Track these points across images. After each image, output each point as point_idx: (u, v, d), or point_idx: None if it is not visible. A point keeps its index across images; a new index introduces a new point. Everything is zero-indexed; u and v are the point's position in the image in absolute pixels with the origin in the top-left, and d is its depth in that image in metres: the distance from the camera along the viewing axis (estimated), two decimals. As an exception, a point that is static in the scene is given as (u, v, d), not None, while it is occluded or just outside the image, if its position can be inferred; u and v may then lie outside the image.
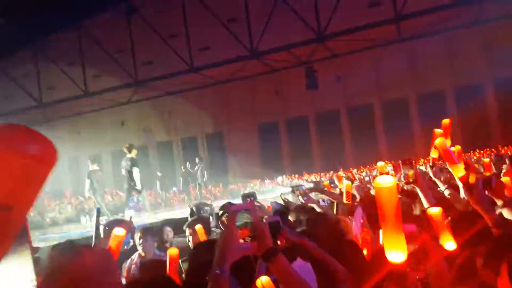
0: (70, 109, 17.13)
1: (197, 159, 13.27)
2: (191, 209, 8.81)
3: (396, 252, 1.37)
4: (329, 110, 14.57)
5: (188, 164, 13.66)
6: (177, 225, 5.36)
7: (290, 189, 8.90)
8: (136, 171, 9.79)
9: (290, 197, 7.55)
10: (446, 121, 3.27)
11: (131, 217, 7.49)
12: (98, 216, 7.77)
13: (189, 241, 3.89)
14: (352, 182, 5.27)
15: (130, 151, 10.02)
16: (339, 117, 14.57)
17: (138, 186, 9.85)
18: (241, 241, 1.36)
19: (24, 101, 16.51)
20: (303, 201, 5.69)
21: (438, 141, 2.78)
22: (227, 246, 1.34)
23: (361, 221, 2.66)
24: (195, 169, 13.13)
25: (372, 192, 4.79)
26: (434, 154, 3.36)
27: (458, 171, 2.57)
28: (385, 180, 1.37)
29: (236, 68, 14.35)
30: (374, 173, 9.31)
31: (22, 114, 16.90)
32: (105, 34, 15.33)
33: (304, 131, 14.90)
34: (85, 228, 10.37)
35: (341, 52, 13.29)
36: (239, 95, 15.64)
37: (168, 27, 14.85)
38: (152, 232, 4.60)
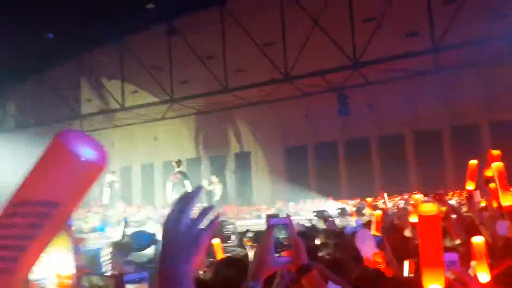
0: (106, 121, 17.74)
1: (213, 178, 13.33)
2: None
3: (435, 283, 1.34)
4: (359, 137, 14.45)
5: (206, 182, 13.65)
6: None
7: (314, 214, 8.88)
8: (188, 184, 10.49)
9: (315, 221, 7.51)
10: (496, 152, 3.26)
11: (156, 230, 7.65)
12: (125, 227, 7.94)
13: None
14: (384, 212, 5.13)
15: (178, 166, 11.31)
16: (369, 145, 14.42)
17: None
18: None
19: (64, 112, 17.27)
20: (325, 226, 5.65)
21: (497, 164, 2.77)
22: (263, 259, 1.34)
23: (373, 243, 2.64)
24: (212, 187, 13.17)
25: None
26: (470, 186, 3.36)
27: (507, 199, 2.54)
28: (430, 208, 1.35)
29: (267, 91, 14.57)
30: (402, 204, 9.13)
31: (62, 124, 17.63)
32: (145, 51, 15.94)
33: (332, 157, 14.81)
34: (108, 238, 10.56)
35: (374, 80, 13.27)
36: (269, 117, 15.80)
37: (206, 48, 15.30)
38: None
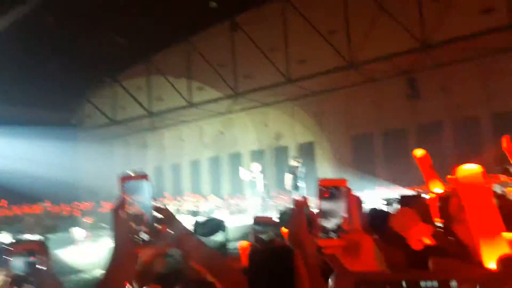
0: (175, 118, 18.49)
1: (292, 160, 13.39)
2: (281, 213, 9.01)
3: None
4: (431, 122, 13.73)
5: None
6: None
7: (384, 201, 8.58)
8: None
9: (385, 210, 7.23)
10: None
11: (224, 218, 7.93)
12: (195, 215, 8.16)
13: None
14: None
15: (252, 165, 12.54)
16: (442, 129, 13.65)
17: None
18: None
19: (136, 111, 18.27)
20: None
21: None
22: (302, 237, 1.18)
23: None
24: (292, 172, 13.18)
25: None
26: None
27: None
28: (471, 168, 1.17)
29: (331, 80, 14.34)
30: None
31: (134, 122, 18.69)
32: (209, 48, 16.41)
33: (402, 143, 14.21)
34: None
35: (446, 61, 12.55)
36: (334, 105, 15.53)
37: (268, 41, 15.42)
38: None
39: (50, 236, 10.38)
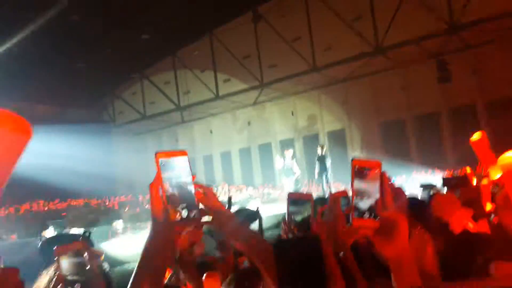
0: (204, 111, 18.78)
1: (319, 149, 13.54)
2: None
3: None
4: (464, 105, 13.51)
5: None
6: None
7: (420, 187, 8.58)
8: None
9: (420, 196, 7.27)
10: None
11: (258, 207, 8.12)
12: (229, 204, 8.50)
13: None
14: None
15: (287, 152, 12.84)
16: (476, 112, 13.41)
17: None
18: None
19: (166, 105, 18.65)
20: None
21: None
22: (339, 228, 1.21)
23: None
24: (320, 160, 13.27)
25: None
26: None
27: None
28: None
29: (357, 66, 14.26)
30: None
31: (164, 116, 19.10)
32: (233, 40, 16.52)
33: (434, 128, 14.05)
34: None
35: (477, 43, 12.27)
36: (361, 92, 15.44)
37: (292, 30, 15.40)
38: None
39: (92, 229, 10.86)
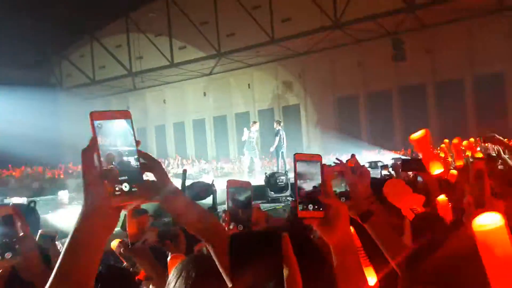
0: (158, 79, 18.12)
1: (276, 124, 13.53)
2: (267, 177, 9.16)
3: None
4: (415, 84, 13.88)
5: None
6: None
7: (367, 165, 8.80)
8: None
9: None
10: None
11: (213, 180, 8.00)
12: (184, 178, 8.33)
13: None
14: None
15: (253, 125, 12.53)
16: (425, 92, 13.85)
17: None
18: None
19: (117, 70, 17.79)
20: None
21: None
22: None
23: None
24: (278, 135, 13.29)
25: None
26: None
27: None
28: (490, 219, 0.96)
29: (316, 40, 14.17)
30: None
31: (115, 82, 18.25)
32: (191, 5, 15.86)
33: (386, 105, 14.39)
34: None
35: (432, 23, 12.51)
36: (318, 67, 15.46)
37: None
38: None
39: (36, 200, 10.34)
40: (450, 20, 12.21)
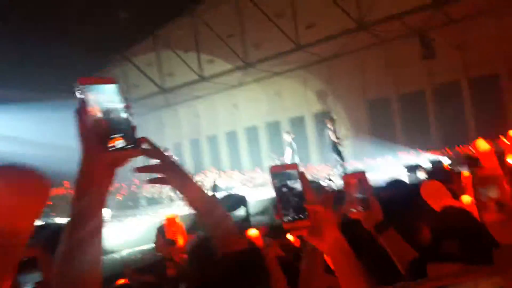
0: (189, 93, 18.41)
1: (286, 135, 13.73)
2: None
3: None
4: (448, 82, 13.42)
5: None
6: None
7: (405, 168, 8.56)
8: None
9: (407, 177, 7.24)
10: None
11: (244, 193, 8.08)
12: (215, 191, 8.38)
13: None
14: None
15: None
16: (460, 89, 13.34)
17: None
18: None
19: (149, 88, 18.24)
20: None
21: None
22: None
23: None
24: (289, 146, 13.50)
25: None
26: None
27: None
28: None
29: (341, 43, 14.03)
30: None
31: (148, 100, 18.71)
32: (216, 19, 16.10)
33: (419, 105, 13.97)
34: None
35: (461, 17, 12.09)
36: (346, 70, 15.25)
37: (275, 7, 15.03)
38: None
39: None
40: (479, 13, 11.75)
